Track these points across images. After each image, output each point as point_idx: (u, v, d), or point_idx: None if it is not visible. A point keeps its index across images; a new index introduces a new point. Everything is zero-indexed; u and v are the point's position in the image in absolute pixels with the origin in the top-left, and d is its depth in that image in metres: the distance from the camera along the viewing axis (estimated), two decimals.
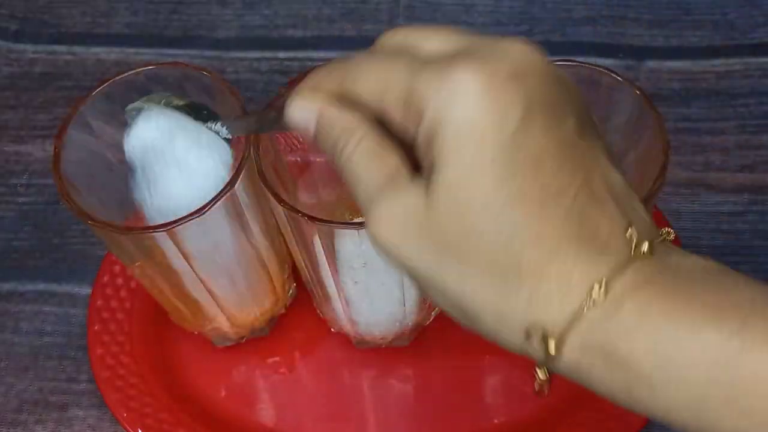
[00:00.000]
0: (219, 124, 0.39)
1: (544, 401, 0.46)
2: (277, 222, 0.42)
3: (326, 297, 0.44)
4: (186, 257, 0.40)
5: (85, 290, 0.53)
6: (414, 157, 0.28)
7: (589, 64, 0.39)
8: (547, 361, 0.27)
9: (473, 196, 0.26)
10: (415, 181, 0.27)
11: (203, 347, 0.49)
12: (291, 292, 0.49)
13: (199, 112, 0.40)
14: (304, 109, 0.30)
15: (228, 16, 0.66)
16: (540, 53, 0.27)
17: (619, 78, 0.39)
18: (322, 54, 0.63)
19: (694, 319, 0.25)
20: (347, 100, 0.29)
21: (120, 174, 0.43)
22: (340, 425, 0.47)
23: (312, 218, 0.37)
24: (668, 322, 0.25)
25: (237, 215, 0.40)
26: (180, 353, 0.49)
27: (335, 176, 0.45)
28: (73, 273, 0.54)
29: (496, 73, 0.26)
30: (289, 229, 0.39)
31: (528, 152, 0.26)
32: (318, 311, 0.47)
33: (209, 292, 0.43)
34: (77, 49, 0.65)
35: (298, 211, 0.37)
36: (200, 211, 0.38)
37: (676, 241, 0.48)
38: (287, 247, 0.45)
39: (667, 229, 0.28)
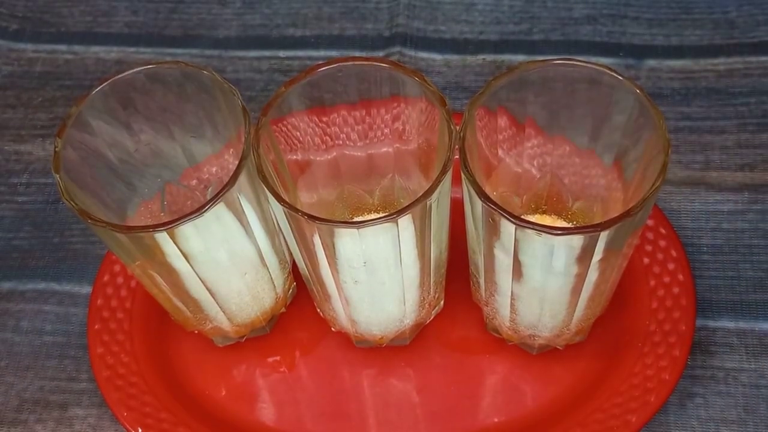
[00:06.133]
0: None
1: (544, 401, 0.46)
2: (277, 222, 0.42)
3: (326, 296, 0.44)
4: (186, 257, 0.40)
5: (86, 289, 0.53)
6: None
7: (589, 63, 0.39)
8: None
9: None
10: None
11: (203, 346, 0.49)
12: (291, 291, 0.49)
13: None
14: None
15: (228, 15, 0.66)
16: None
17: (620, 77, 0.39)
18: (322, 53, 0.63)
19: None
20: None
21: (120, 174, 0.43)
22: (340, 424, 0.47)
23: (312, 218, 0.37)
24: None
25: (237, 215, 0.40)
26: (180, 352, 0.49)
27: (335, 176, 0.46)
28: (74, 272, 0.54)
29: None
30: (289, 228, 0.39)
31: None
32: (318, 310, 0.47)
33: (209, 291, 0.43)
34: (77, 48, 0.65)
35: (298, 211, 0.37)
36: (200, 211, 0.38)
37: (677, 241, 0.48)
38: (287, 246, 0.45)
39: None
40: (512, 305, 0.43)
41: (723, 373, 0.48)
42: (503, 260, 0.40)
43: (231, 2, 0.66)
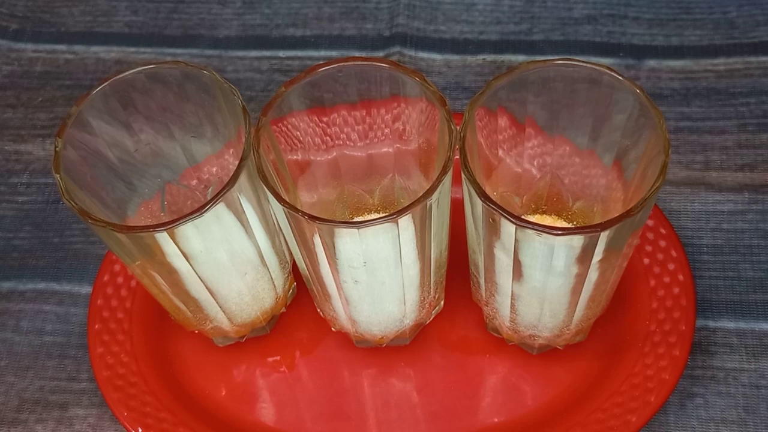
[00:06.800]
0: None
1: (544, 401, 0.46)
2: (277, 222, 0.42)
3: (326, 296, 0.44)
4: (186, 257, 0.40)
5: (86, 289, 0.53)
6: None
7: (589, 63, 0.39)
8: None
9: None
10: None
11: (203, 346, 0.49)
12: (291, 291, 0.49)
13: None
14: None
15: (228, 15, 0.66)
16: None
17: (620, 77, 0.39)
18: (322, 53, 0.63)
19: None
20: None
21: (120, 174, 0.43)
22: (340, 424, 0.47)
23: (312, 217, 0.37)
24: None
25: (237, 215, 0.40)
26: (180, 352, 0.49)
27: (335, 176, 0.46)
28: (74, 272, 0.54)
29: None
30: (289, 228, 0.39)
31: None
32: (318, 310, 0.47)
33: (209, 291, 0.43)
34: (77, 48, 0.65)
35: (299, 211, 0.37)
36: (200, 211, 0.38)
37: (677, 241, 0.48)
38: (287, 246, 0.45)
39: None
40: (512, 305, 0.43)
41: (723, 373, 0.48)
42: (503, 260, 0.40)
43: (231, 2, 0.66)
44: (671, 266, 0.48)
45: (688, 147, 0.56)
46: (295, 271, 0.47)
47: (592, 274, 0.40)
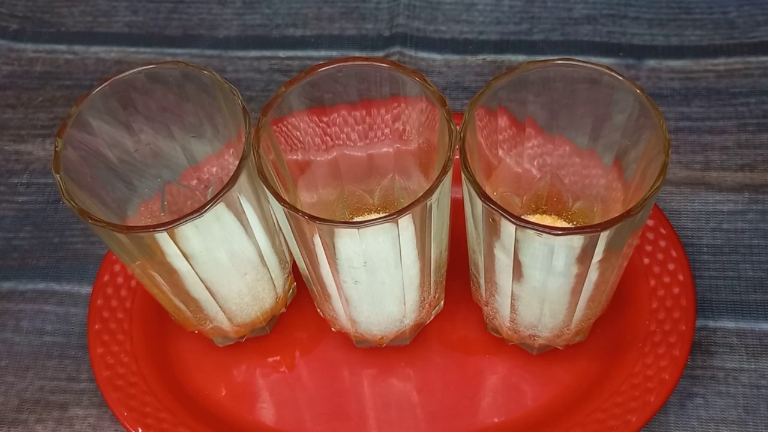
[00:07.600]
0: None
1: (544, 401, 0.46)
2: (277, 222, 0.42)
3: (326, 296, 0.44)
4: (186, 257, 0.40)
5: (86, 289, 0.53)
6: None
7: (589, 63, 0.39)
8: None
9: None
10: None
11: (204, 346, 0.49)
12: (291, 291, 0.49)
13: None
14: None
15: (228, 15, 0.66)
16: None
17: (620, 77, 0.39)
18: (322, 53, 0.63)
19: None
20: None
21: (120, 174, 0.43)
22: (340, 424, 0.47)
23: (312, 218, 0.37)
24: None
25: (237, 215, 0.40)
26: (180, 352, 0.49)
27: (335, 176, 0.46)
28: (74, 272, 0.54)
29: None
30: (289, 228, 0.39)
31: None
32: (318, 310, 0.47)
33: (209, 292, 0.43)
34: (77, 48, 0.65)
35: (299, 211, 0.37)
36: (200, 211, 0.38)
37: (677, 241, 0.48)
38: (287, 246, 0.45)
39: None
40: (512, 305, 0.43)
41: (723, 373, 0.48)
42: (503, 260, 0.40)
43: (231, 2, 0.66)
44: (671, 266, 0.48)
45: (688, 147, 0.56)
46: (295, 271, 0.47)
47: (592, 274, 0.40)
